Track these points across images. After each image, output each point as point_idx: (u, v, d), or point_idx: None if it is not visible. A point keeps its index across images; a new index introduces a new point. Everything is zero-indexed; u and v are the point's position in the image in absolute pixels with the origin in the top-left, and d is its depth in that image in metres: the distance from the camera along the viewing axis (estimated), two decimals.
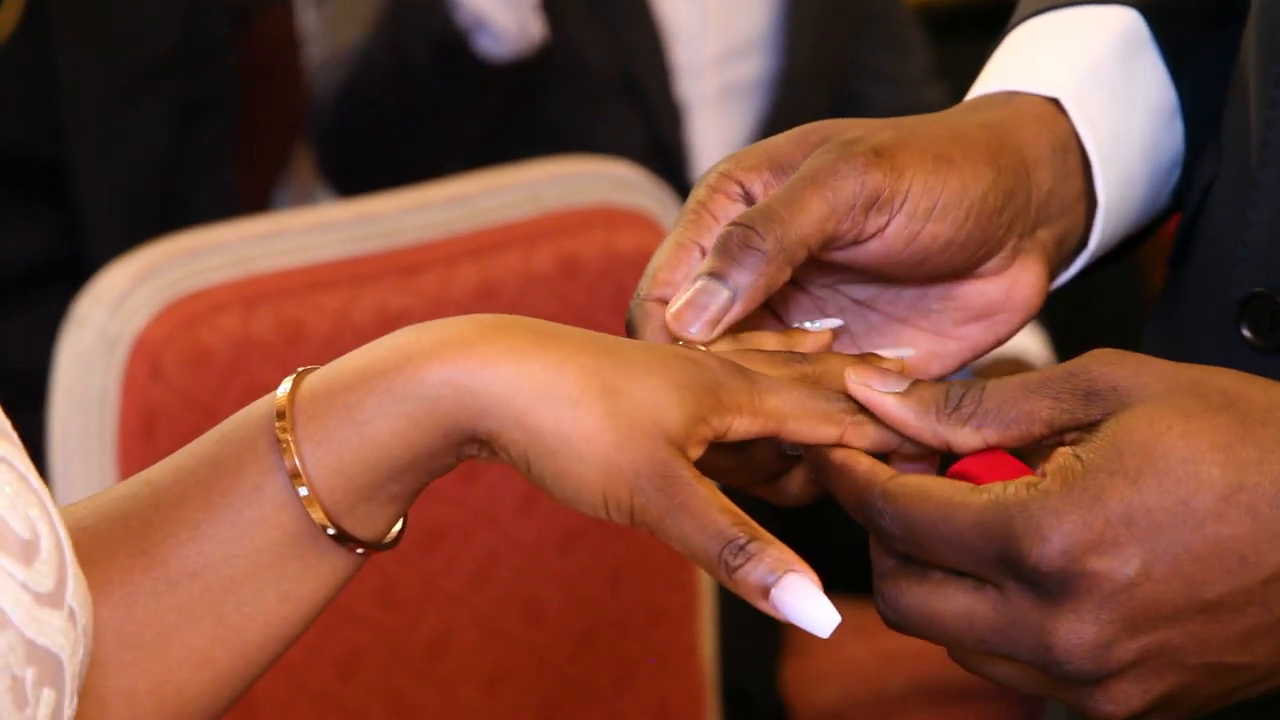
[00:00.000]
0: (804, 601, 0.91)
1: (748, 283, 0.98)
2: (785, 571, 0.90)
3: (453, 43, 2.45)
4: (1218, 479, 0.91)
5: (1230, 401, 0.93)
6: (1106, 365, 0.94)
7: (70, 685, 0.86)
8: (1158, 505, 0.91)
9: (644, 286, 1.10)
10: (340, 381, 0.97)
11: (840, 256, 1.02)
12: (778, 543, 0.91)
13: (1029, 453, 0.97)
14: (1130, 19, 1.19)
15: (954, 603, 0.95)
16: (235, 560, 0.95)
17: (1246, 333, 1.08)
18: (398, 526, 1.00)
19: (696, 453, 0.95)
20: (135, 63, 2.43)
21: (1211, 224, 1.15)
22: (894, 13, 2.82)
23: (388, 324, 1.90)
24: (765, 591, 0.90)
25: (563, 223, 2.01)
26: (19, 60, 2.37)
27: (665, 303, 1.08)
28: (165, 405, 1.82)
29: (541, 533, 1.96)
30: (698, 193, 1.07)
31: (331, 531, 0.97)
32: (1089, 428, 0.93)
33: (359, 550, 0.98)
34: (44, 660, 0.84)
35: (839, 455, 0.97)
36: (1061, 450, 0.93)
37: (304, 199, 2.75)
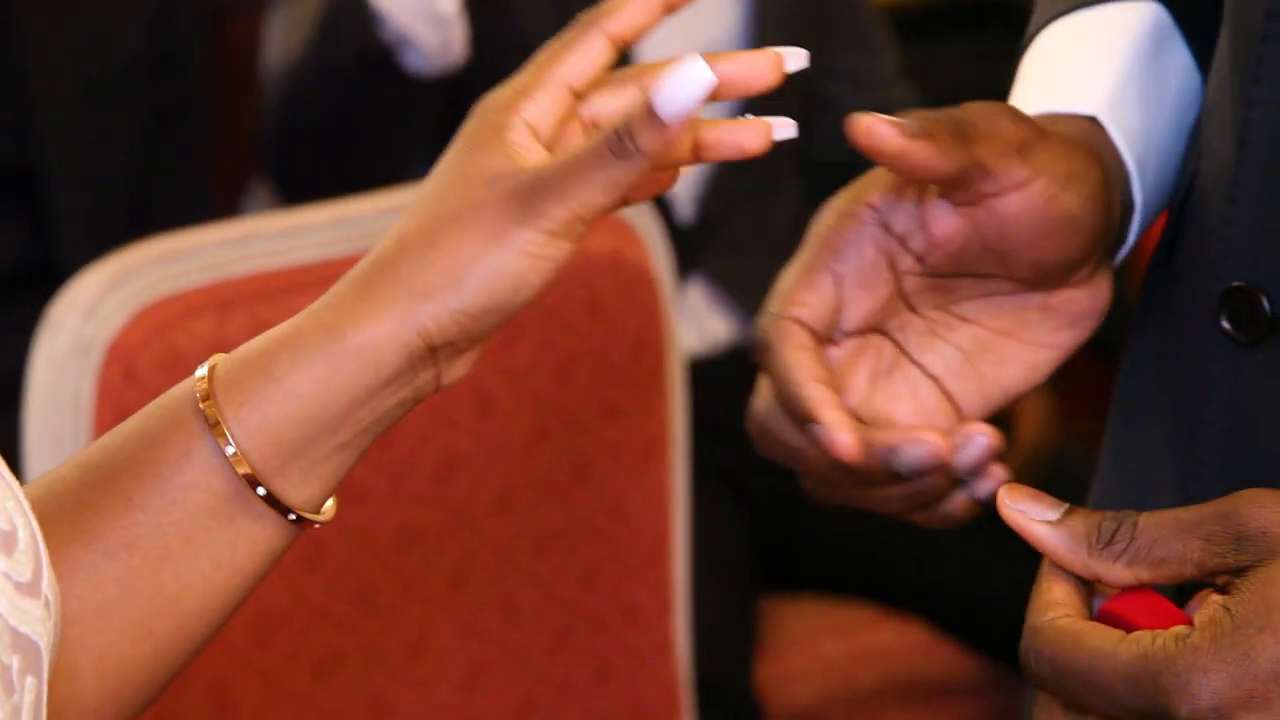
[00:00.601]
0: (677, 82, 0.93)
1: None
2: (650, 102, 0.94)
3: (379, 56, 2.43)
4: None
5: None
6: (1257, 507, 0.93)
7: (46, 674, 0.86)
8: None
9: (775, 305, 1.13)
10: (254, 348, 0.98)
11: (979, 214, 1.05)
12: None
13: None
14: (1154, 12, 1.20)
15: None
16: (168, 528, 0.95)
17: (1226, 325, 1.08)
18: (330, 502, 1.00)
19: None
20: (104, 67, 2.42)
21: (1195, 220, 1.15)
22: (861, 14, 2.80)
23: None
24: (650, 115, 0.93)
25: None
26: None
27: (798, 321, 1.13)
28: (139, 408, 1.80)
29: (517, 534, 1.94)
30: (827, 219, 1.11)
31: (261, 491, 0.98)
32: (1238, 573, 0.92)
33: (291, 517, 0.99)
34: (26, 649, 0.84)
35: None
36: (1212, 600, 0.93)
37: (273, 203, 2.73)
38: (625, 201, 1.01)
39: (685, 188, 2.68)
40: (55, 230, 2.33)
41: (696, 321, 2.71)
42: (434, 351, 0.99)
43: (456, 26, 2.42)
